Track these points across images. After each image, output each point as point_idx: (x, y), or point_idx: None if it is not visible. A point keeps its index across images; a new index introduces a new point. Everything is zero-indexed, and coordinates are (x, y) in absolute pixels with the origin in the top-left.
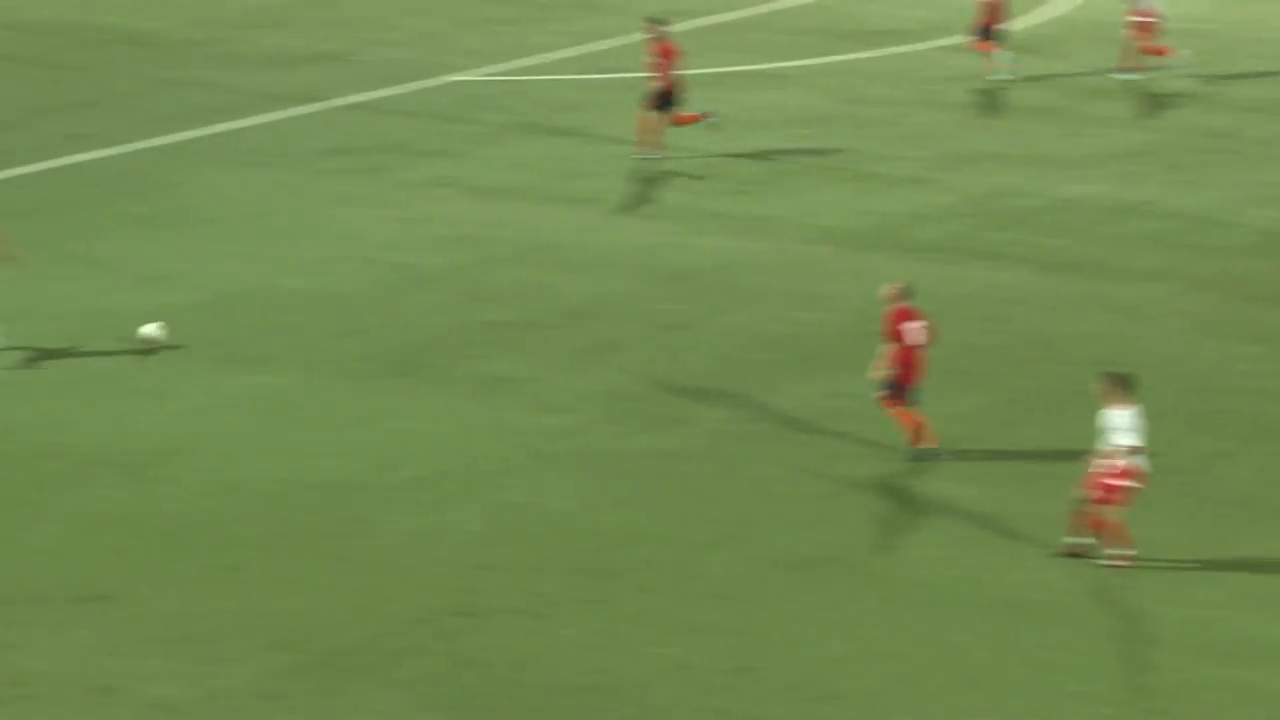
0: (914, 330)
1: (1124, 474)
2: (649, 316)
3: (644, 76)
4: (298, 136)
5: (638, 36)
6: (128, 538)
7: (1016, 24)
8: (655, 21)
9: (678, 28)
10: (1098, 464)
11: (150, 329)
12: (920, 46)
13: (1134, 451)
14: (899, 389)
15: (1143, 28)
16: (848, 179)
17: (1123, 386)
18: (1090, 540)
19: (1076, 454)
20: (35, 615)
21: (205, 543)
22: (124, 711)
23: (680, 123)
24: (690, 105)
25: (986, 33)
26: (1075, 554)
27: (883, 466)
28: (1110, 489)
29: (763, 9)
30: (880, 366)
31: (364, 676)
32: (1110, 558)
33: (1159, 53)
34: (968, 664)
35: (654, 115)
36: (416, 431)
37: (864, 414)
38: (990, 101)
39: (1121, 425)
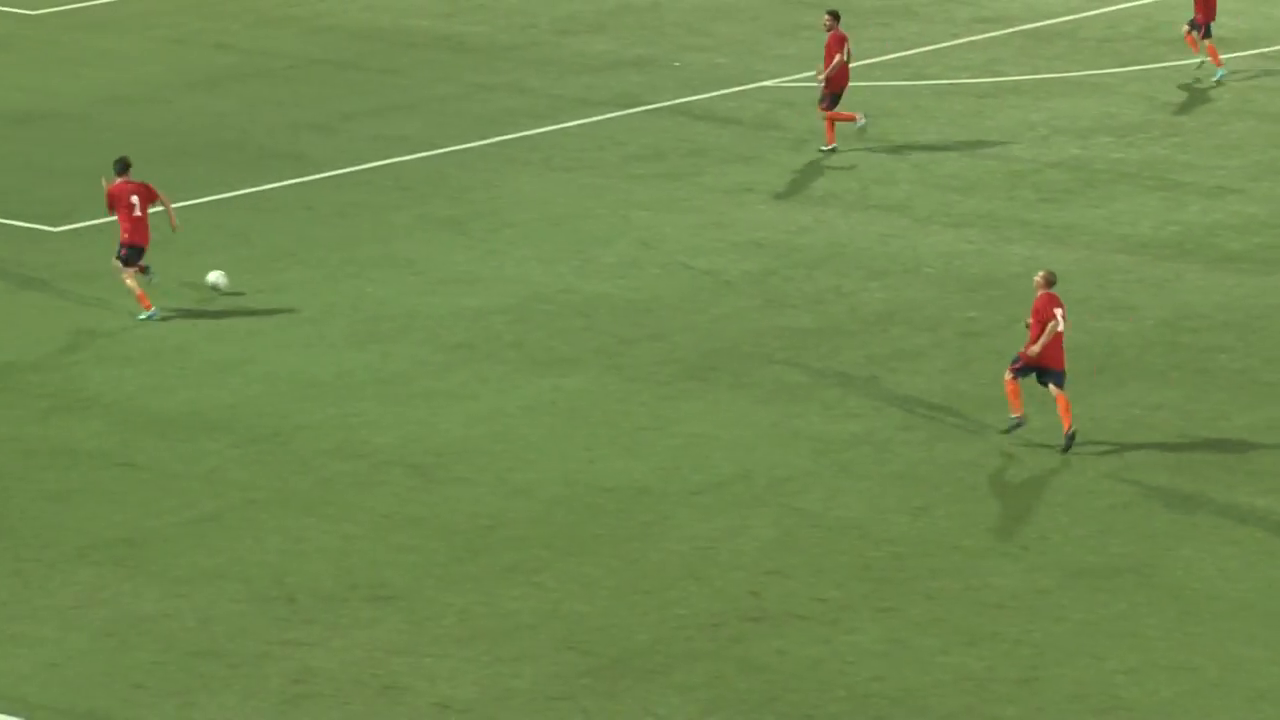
0: (1061, 317)
1: None
2: (949, 324)
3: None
4: (609, 141)
5: (952, 43)
6: (418, 538)
7: None
8: (831, 15)
9: (993, 34)
10: None
11: (215, 276)
12: (1236, 55)
13: None
14: (1027, 369)
15: None
16: (1156, 188)
17: None
18: None
19: None
20: (324, 614)
21: (496, 544)
22: (411, 710)
23: (833, 118)
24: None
25: (1195, 27)
26: None
27: (1179, 477)
28: None
29: (1077, 16)
30: (1031, 346)
31: (651, 679)
32: None
33: None
34: (1259, 678)
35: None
36: (711, 436)
37: (1162, 424)
38: None
39: None
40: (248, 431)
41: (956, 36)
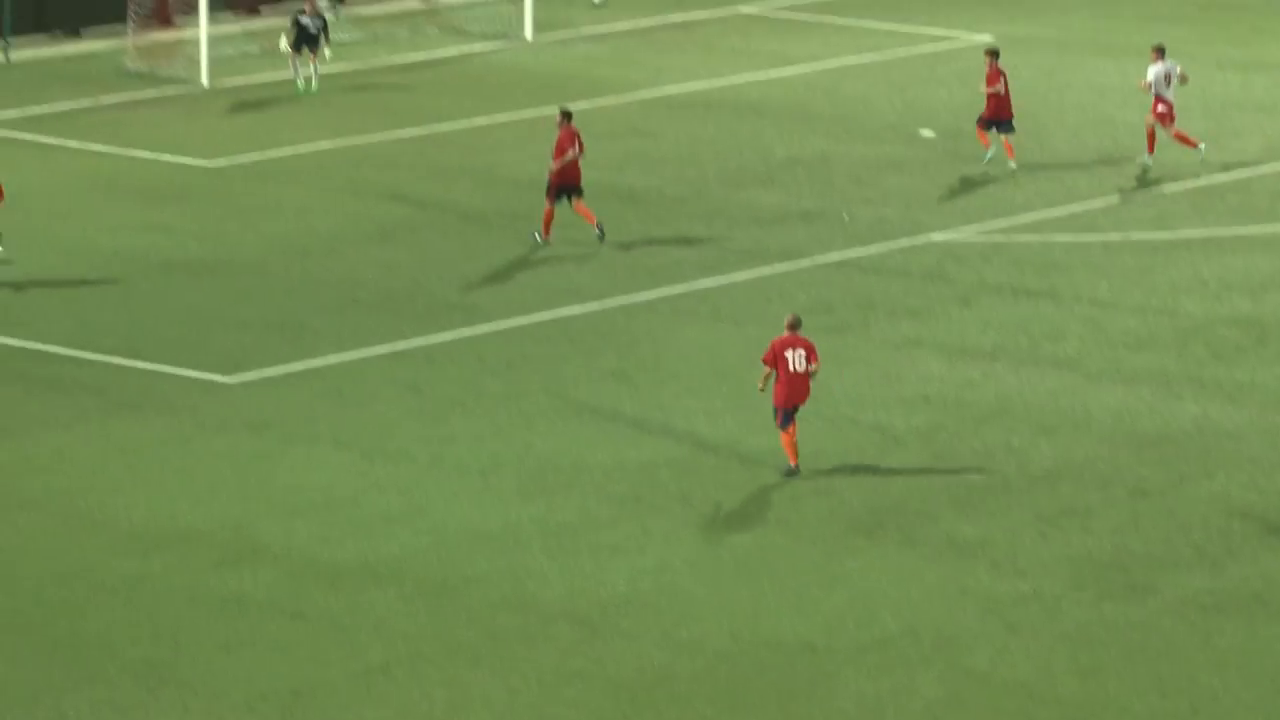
0: (795, 358)
1: None
2: (1119, 482)
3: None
4: (777, 294)
5: (1117, 198)
6: (584, 692)
7: None
8: (563, 114)
9: (1165, 189)
10: None
11: None
12: None
13: None
14: (780, 413)
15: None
16: None
17: None
18: None
19: None
20: None
21: (661, 700)
22: None
23: (578, 211)
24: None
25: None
26: None
27: None
28: None
29: (1250, 172)
30: (762, 388)
31: None
32: None
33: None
34: None
35: (552, 205)
36: (878, 593)
37: None
38: None
39: None
40: (416, 583)
41: (1128, 190)
